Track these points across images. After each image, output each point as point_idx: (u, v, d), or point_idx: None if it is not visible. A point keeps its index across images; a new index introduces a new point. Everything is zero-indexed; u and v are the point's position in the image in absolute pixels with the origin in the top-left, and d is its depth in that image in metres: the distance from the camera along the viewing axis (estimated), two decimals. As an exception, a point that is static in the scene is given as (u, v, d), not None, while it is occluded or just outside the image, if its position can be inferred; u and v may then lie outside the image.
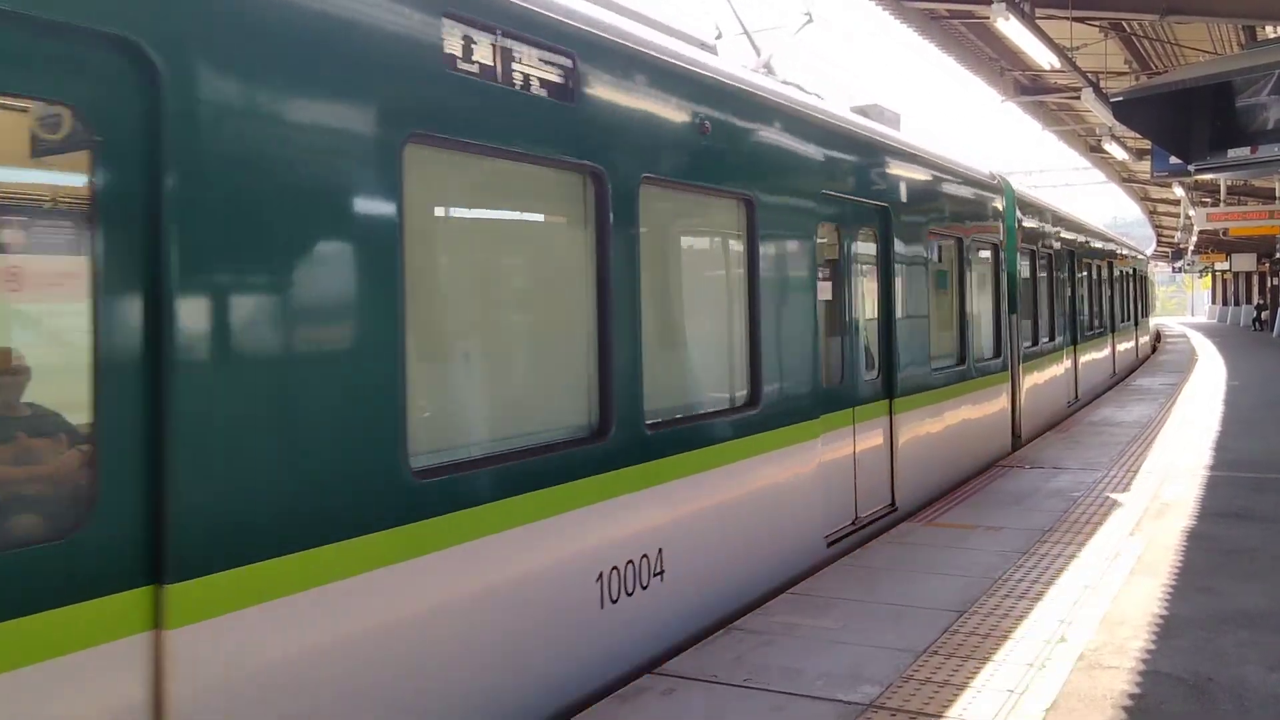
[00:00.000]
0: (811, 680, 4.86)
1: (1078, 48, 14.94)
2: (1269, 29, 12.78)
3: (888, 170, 8.51)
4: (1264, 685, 4.71)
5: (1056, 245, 15.40)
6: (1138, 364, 26.15)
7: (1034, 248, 13.85)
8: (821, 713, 4.51)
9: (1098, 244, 19.80)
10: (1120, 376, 22.16)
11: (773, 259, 6.52)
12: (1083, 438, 13.12)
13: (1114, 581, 6.43)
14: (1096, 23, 14.73)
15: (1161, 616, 5.71)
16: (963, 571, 6.74)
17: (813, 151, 7.19)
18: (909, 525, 8.14)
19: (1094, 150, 27.72)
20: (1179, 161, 12.59)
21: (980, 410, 10.77)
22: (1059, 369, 15.39)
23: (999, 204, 11.79)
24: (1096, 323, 19.39)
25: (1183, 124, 9.14)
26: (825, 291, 7.35)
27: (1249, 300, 57.00)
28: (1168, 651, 5.16)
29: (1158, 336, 38.54)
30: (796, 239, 6.85)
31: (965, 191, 10.64)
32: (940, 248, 9.90)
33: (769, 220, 6.44)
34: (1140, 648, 5.22)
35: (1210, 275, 66.03)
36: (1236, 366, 24.99)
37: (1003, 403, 11.68)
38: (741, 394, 6.34)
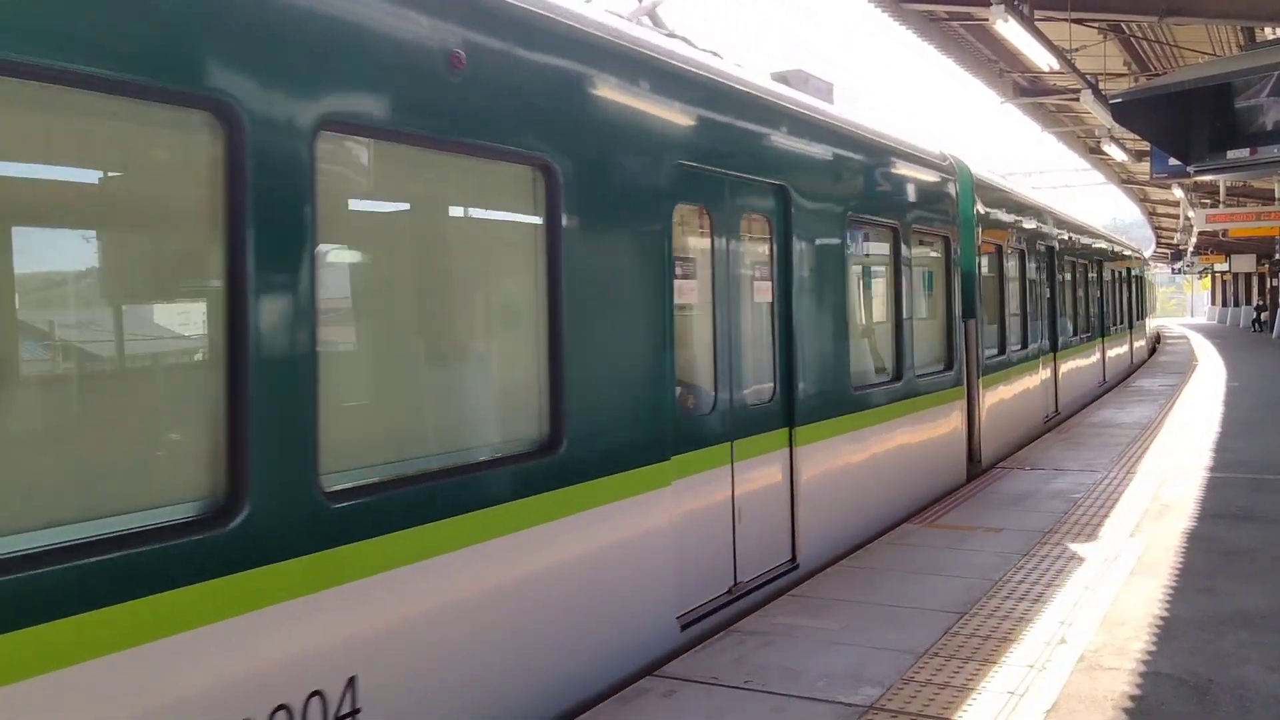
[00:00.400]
0: (812, 682, 4.86)
1: (1077, 49, 14.95)
2: (1268, 30, 12.80)
3: (787, 142, 6.86)
4: (1265, 686, 4.71)
5: (1032, 241, 13.74)
6: (1131, 370, 24.93)
7: (1001, 243, 12.14)
8: (822, 714, 4.50)
9: (1085, 241, 18.11)
10: (1111, 385, 20.88)
11: (588, 248, 4.85)
12: (1083, 439, 13.12)
13: (1114, 582, 6.43)
14: (1095, 24, 14.74)
15: (1162, 617, 5.71)
16: (963, 573, 6.74)
17: (663, 111, 5.51)
18: (909, 527, 8.14)
19: (1093, 152, 27.73)
20: (1178, 163, 12.62)
21: (923, 434, 8.99)
22: (1033, 380, 13.60)
23: (951, 189, 9.91)
24: (1083, 327, 17.92)
25: (1182, 125, 9.14)
26: (686, 293, 5.72)
27: (1248, 301, 57.08)
28: (1168, 652, 5.16)
29: (1157, 338, 38.57)
30: (632, 223, 5.20)
31: (903, 172, 8.87)
32: (867, 239, 8.30)
33: (581, 196, 4.78)
34: (1140, 649, 5.22)
35: (1210, 276, 66.10)
36: (1236, 368, 25.01)
37: (955, 422, 9.90)
38: (534, 434, 4.60)
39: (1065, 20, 13.51)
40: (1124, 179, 33.86)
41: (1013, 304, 12.73)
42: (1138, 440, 12.85)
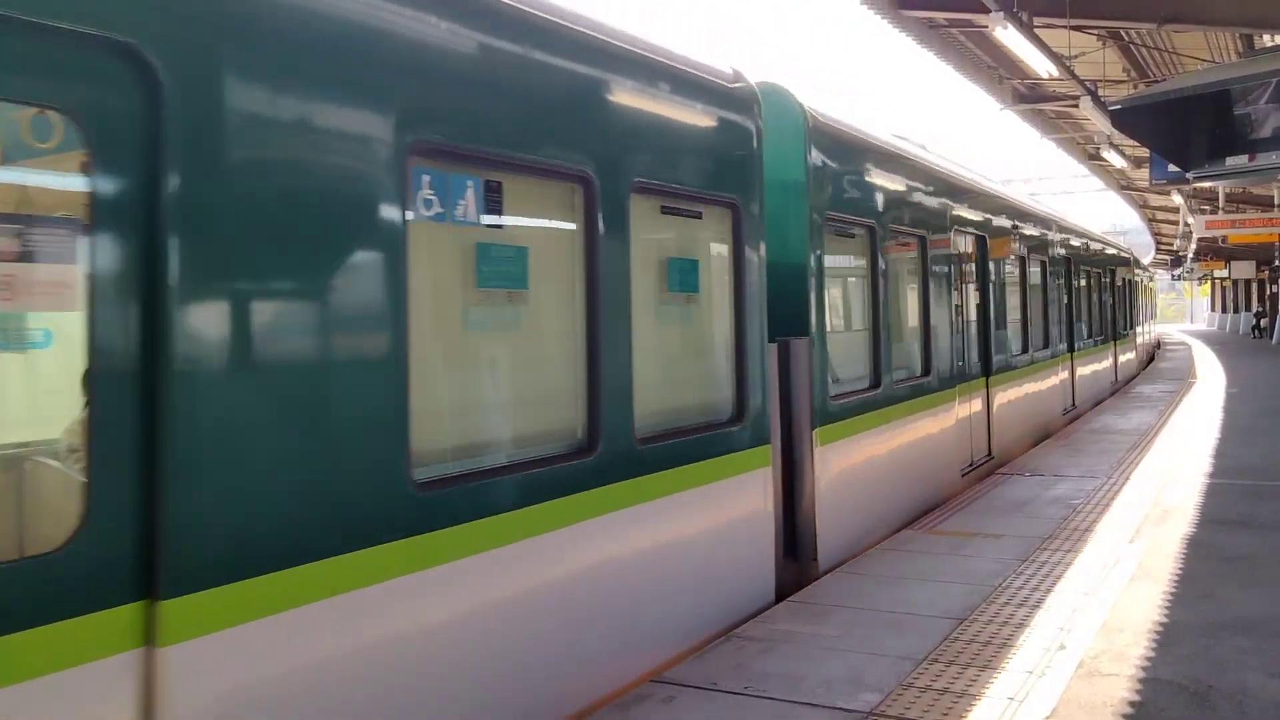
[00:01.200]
0: (812, 688, 4.86)
1: (1076, 56, 15.00)
2: (1266, 37, 12.84)
3: None
4: (1264, 692, 4.71)
5: (940, 226, 9.74)
6: (1116, 388, 21.40)
7: (873, 224, 8.13)
8: (822, 720, 4.51)
9: (1039, 233, 14.16)
10: (1083, 409, 17.10)
11: None
12: (1083, 445, 13.13)
13: (1114, 588, 6.43)
14: (1094, 31, 14.79)
15: (1161, 623, 5.72)
16: (963, 579, 6.74)
17: None
18: (908, 533, 8.13)
19: (1093, 158, 27.79)
20: (1177, 169, 12.63)
21: (660, 538, 5.27)
22: (943, 420, 9.70)
23: (744, 130, 6.16)
24: (1038, 343, 14.05)
25: (1181, 132, 9.18)
26: None
27: (1248, 307, 57.19)
28: (1167, 659, 5.16)
29: (1157, 344, 38.63)
30: None
31: (611, 88, 5.02)
32: (494, 197, 4.39)
33: None
34: (1140, 655, 5.22)
35: (1209, 283, 66.20)
36: (1236, 374, 25.02)
37: (749, 506, 6.11)
38: None
39: (1064, 27, 13.55)
40: (1123, 185, 33.89)
41: (899, 314, 8.86)
42: (1137, 446, 12.85)
